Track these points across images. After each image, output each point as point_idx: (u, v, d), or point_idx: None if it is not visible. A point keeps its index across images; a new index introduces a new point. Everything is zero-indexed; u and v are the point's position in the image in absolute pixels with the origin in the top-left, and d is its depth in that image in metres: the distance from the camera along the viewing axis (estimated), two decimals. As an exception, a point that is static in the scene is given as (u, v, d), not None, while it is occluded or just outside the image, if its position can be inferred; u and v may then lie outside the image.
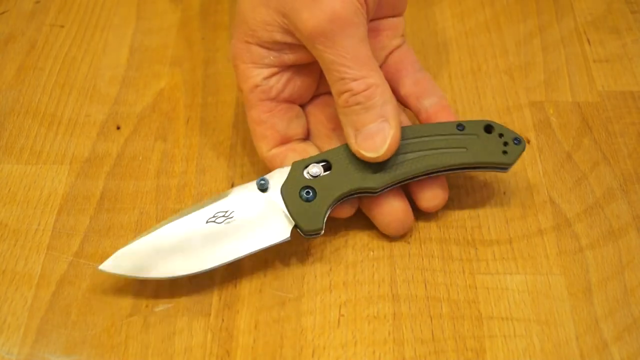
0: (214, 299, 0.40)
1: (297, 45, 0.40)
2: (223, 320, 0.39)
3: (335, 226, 0.42)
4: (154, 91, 0.49)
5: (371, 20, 0.41)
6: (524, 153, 0.46)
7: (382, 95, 0.38)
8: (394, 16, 0.44)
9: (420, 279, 0.40)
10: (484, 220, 0.43)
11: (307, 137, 0.43)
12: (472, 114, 0.48)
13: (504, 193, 0.44)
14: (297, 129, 0.42)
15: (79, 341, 0.38)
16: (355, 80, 0.38)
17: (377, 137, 0.38)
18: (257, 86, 0.41)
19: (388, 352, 0.38)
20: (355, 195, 0.40)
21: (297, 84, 0.42)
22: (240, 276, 0.41)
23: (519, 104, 0.48)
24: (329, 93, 0.40)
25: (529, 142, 0.46)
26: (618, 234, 0.42)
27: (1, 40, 0.52)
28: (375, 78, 0.38)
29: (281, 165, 0.41)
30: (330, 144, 0.42)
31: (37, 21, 0.53)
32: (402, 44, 0.44)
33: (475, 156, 0.40)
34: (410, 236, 0.42)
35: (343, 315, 0.39)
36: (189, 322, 0.39)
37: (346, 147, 0.39)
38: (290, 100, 0.42)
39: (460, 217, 0.43)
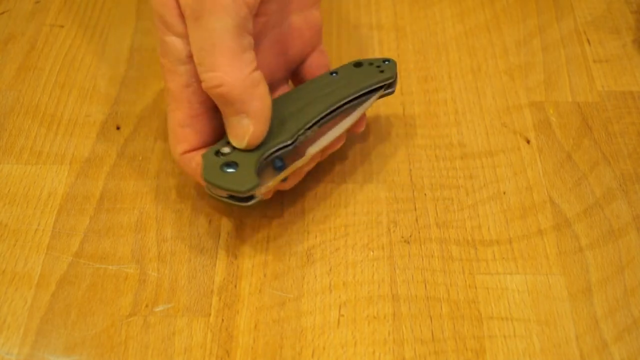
0: (214, 299, 0.40)
1: None
2: (223, 320, 0.39)
3: (335, 226, 0.42)
4: (154, 91, 0.49)
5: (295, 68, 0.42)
6: (524, 153, 0.46)
7: (240, 95, 0.37)
8: (312, 50, 0.44)
9: (420, 279, 0.40)
10: (484, 220, 0.43)
11: None
12: (472, 114, 0.48)
13: (504, 193, 0.44)
14: (216, 136, 0.40)
15: (79, 341, 0.38)
16: (209, 71, 0.36)
17: (237, 130, 0.38)
18: (187, 86, 0.39)
19: (388, 352, 0.38)
20: (277, 155, 0.40)
21: None
22: (240, 276, 0.41)
23: (519, 104, 0.48)
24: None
25: (528, 142, 0.46)
26: (618, 234, 0.42)
27: (1, 40, 0.52)
28: (232, 76, 0.36)
29: (191, 165, 0.40)
30: None
31: (37, 21, 0.53)
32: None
33: (359, 84, 0.42)
34: (410, 236, 0.42)
35: (343, 316, 0.39)
36: (189, 322, 0.39)
37: None
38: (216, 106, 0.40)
39: (460, 217, 0.43)
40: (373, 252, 0.42)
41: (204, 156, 0.39)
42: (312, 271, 0.41)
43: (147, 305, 0.39)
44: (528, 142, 0.46)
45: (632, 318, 0.39)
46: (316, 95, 0.41)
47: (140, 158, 0.46)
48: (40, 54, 0.51)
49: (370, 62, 0.44)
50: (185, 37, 0.38)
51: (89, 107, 0.48)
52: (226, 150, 0.39)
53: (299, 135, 0.40)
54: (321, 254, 0.42)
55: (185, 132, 0.40)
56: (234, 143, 0.39)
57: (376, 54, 0.51)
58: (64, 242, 0.42)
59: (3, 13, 0.54)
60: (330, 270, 0.41)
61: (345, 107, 0.42)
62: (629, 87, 0.49)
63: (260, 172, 0.39)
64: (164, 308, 0.39)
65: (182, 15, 0.37)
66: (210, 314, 0.39)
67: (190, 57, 0.38)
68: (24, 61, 0.51)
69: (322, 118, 0.41)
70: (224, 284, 0.40)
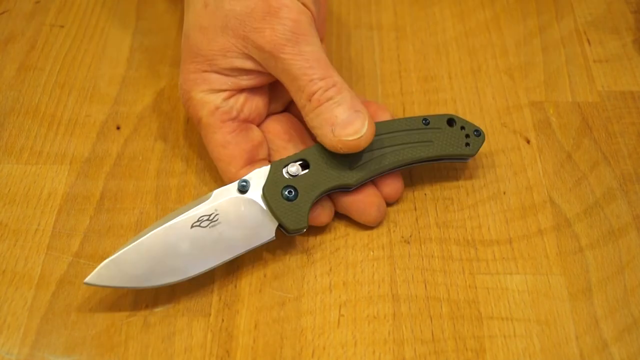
0: (214, 299, 0.40)
1: (254, 71, 0.41)
2: (223, 320, 0.39)
3: (335, 226, 0.42)
4: (154, 91, 0.49)
5: None
6: (524, 153, 0.46)
7: (349, 91, 0.40)
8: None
9: (420, 279, 0.40)
10: (484, 220, 0.43)
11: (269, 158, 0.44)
12: (472, 114, 0.48)
13: (504, 193, 0.44)
14: (261, 148, 0.43)
15: (79, 341, 0.38)
16: (323, 79, 0.40)
17: (355, 123, 0.39)
18: (217, 108, 0.42)
19: (388, 352, 0.38)
20: (332, 192, 0.41)
21: (253, 104, 0.43)
22: (240, 276, 0.41)
23: (519, 104, 0.48)
24: (278, 112, 0.44)
25: (528, 142, 0.46)
26: (618, 234, 0.42)
27: (1, 40, 0.52)
28: (338, 77, 0.40)
29: None
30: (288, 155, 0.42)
31: (37, 21, 0.53)
32: None
33: (441, 149, 0.42)
34: (410, 236, 0.42)
35: (343, 316, 0.39)
36: (189, 322, 0.39)
37: (320, 146, 0.40)
38: (249, 120, 0.43)
39: (460, 217, 0.43)
40: (373, 252, 0.42)
41: (273, 165, 0.40)
42: (312, 271, 0.41)
43: (147, 305, 0.39)
44: (528, 142, 0.46)
45: (632, 318, 0.39)
46: (397, 144, 0.41)
47: (140, 158, 0.46)
48: (40, 54, 0.51)
49: (463, 126, 0.43)
50: (224, 73, 0.41)
51: (89, 107, 0.48)
52: (293, 169, 0.40)
53: (361, 182, 0.41)
54: (321, 254, 0.42)
55: (229, 150, 0.41)
56: (352, 137, 0.39)
57: (376, 54, 0.51)
58: (64, 242, 0.42)
59: (3, 13, 0.54)
60: (330, 270, 0.41)
61: (414, 165, 0.42)
62: (629, 87, 0.49)
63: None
64: (164, 308, 0.39)
65: (246, 55, 0.41)
66: (210, 314, 0.39)
67: (223, 89, 0.42)
68: (24, 61, 0.51)
69: (390, 169, 0.41)
70: (224, 284, 0.40)
